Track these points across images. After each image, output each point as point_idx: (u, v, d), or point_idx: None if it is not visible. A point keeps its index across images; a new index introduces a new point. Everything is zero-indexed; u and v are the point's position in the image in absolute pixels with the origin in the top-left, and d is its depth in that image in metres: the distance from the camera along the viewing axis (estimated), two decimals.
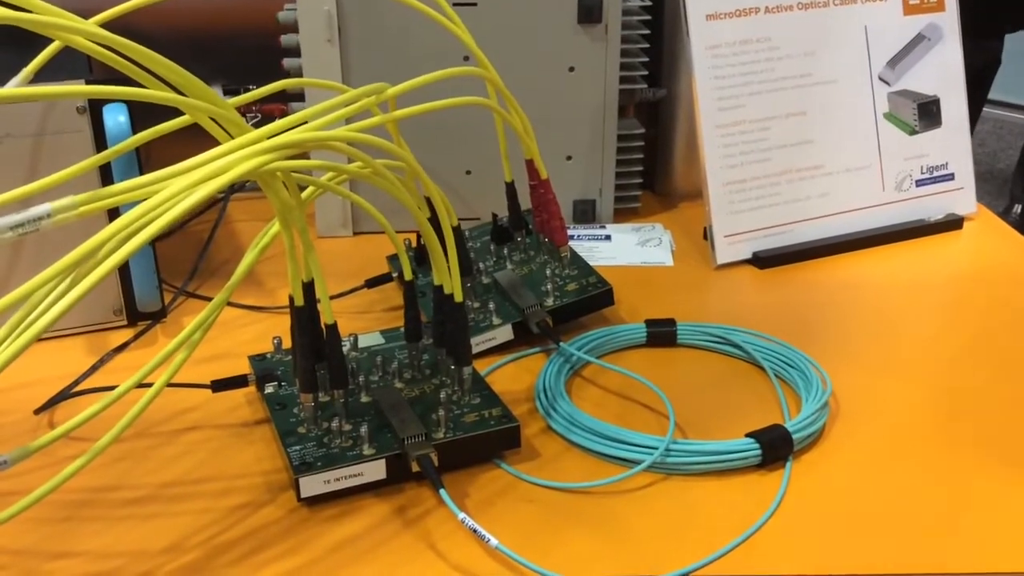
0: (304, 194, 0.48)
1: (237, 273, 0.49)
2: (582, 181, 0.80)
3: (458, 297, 0.50)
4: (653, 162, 0.87)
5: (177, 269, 0.71)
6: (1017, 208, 3.10)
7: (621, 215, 0.83)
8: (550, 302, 0.62)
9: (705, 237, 0.75)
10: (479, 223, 0.72)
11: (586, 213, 0.81)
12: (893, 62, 0.77)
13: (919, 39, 0.78)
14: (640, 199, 0.84)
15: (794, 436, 0.50)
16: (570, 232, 0.78)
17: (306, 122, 0.44)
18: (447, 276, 0.50)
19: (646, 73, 0.81)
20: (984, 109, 3.91)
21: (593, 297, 0.63)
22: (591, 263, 0.70)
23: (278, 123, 0.42)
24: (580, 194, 0.81)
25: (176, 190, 0.36)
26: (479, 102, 0.55)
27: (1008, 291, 0.71)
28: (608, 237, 0.78)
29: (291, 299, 0.48)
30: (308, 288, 0.47)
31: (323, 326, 0.48)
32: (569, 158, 0.80)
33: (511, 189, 0.66)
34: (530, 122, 0.60)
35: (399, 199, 0.47)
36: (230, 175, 0.37)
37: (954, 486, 0.49)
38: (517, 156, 0.63)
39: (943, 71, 0.79)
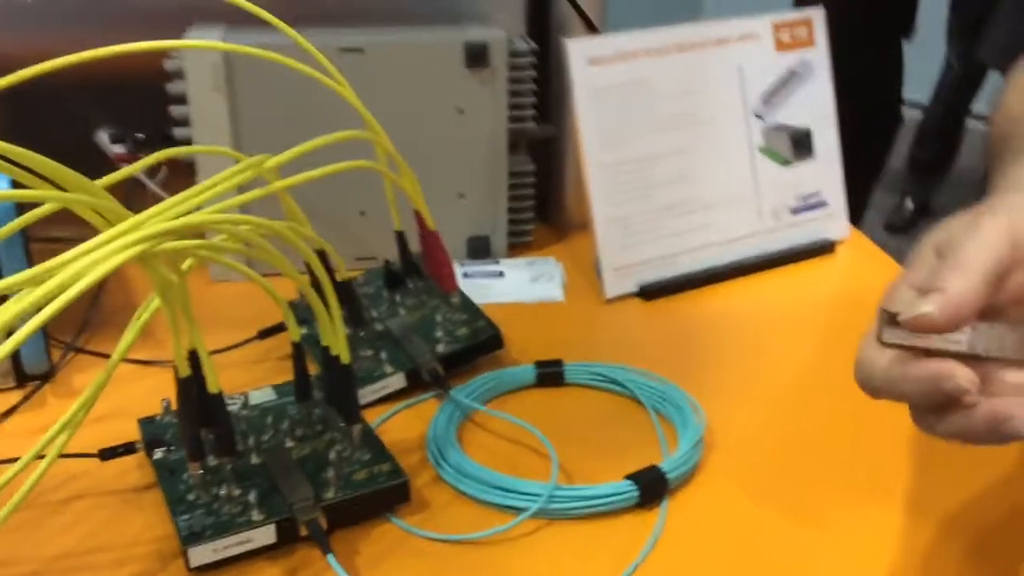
0: (184, 266, 0.49)
1: (118, 350, 0.49)
2: (475, 218, 0.82)
3: (344, 359, 0.52)
4: (546, 193, 0.90)
5: (66, 318, 0.71)
6: (908, 203, 3.24)
7: (515, 249, 0.85)
8: (441, 349, 0.64)
9: (595, 269, 0.78)
10: (374, 264, 0.74)
11: (480, 249, 0.83)
12: (767, 98, 0.81)
13: (791, 75, 0.82)
14: (533, 232, 0.86)
15: (669, 476, 0.53)
16: (464, 270, 0.80)
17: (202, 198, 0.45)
18: (333, 337, 0.52)
19: (535, 112, 0.83)
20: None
21: (482, 342, 0.65)
22: (485, 301, 0.72)
23: (162, 205, 0.43)
24: (474, 231, 0.83)
25: (55, 285, 0.36)
26: (368, 166, 0.56)
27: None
28: (501, 274, 0.80)
29: (176, 369, 0.48)
30: (193, 357, 0.48)
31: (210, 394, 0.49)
32: (462, 196, 0.81)
33: (401, 238, 0.67)
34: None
35: (280, 268, 0.48)
36: (110, 264, 0.38)
37: (825, 516, 0.52)
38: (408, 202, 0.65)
39: (815, 104, 0.83)
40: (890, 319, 0.38)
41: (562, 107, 0.86)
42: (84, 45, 0.46)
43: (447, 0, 0.86)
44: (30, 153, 0.39)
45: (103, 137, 0.81)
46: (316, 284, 0.51)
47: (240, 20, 0.79)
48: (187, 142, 0.77)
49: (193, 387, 0.48)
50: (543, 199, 0.89)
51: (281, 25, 0.57)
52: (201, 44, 0.66)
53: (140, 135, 0.78)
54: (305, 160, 0.52)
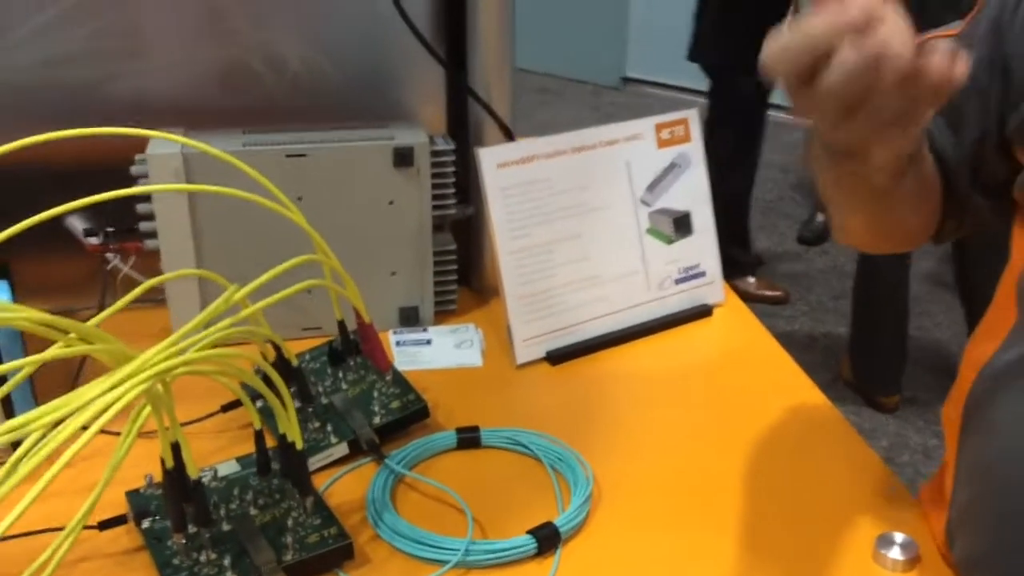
0: (169, 378, 0.61)
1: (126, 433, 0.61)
2: (406, 291, 0.95)
3: (299, 445, 0.64)
4: (467, 263, 1.03)
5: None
6: (819, 216, 3.45)
7: (441, 316, 0.98)
8: (377, 420, 0.77)
9: (508, 335, 0.91)
10: (318, 332, 0.86)
11: (410, 318, 0.96)
12: (652, 187, 0.95)
13: (672, 167, 0.96)
14: (457, 300, 0.99)
15: (561, 530, 0.66)
16: (396, 338, 0.93)
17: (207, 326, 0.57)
18: (288, 426, 0.64)
19: (456, 196, 0.96)
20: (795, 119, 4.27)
21: (412, 413, 0.78)
22: (414, 367, 0.85)
23: (160, 348, 0.55)
24: (405, 302, 0.96)
25: (77, 425, 0.48)
26: (319, 284, 0.69)
27: (750, 375, 0.90)
28: (429, 342, 0.93)
29: (163, 461, 0.60)
30: (176, 449, 0.60)
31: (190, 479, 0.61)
32: (394, 273, 0.94)
33: (342, 326, 0.80)
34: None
35: (250, 383, 0.61)
36: (123, 403, 0.50)
37: (701, 559, 0.66)
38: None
39: (692, 189, 0.98)
40: None
41: (478, 189, 1.00)
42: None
43: (380, 103, 0.99)
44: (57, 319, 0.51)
45: (75, 224, 0.92)
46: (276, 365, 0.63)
47: (196, 122, 0.91)
48: (152, 234, 0.88)
49: (178, 475, 0.61)
50: (465, 267, 1.02)
51: (242, 166, 0.68)
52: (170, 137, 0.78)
53: (110, 228, 0.89)
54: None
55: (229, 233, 0.88)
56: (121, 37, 0.93)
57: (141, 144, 0.88)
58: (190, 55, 0.97)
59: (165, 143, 0.87)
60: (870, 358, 2.42)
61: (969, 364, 0.69)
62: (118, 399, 0.50)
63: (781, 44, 0.46)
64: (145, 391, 0.52)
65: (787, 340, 1.00)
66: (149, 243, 0.88)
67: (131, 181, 0.87)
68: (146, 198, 0.87)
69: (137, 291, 0.64)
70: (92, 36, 0.92)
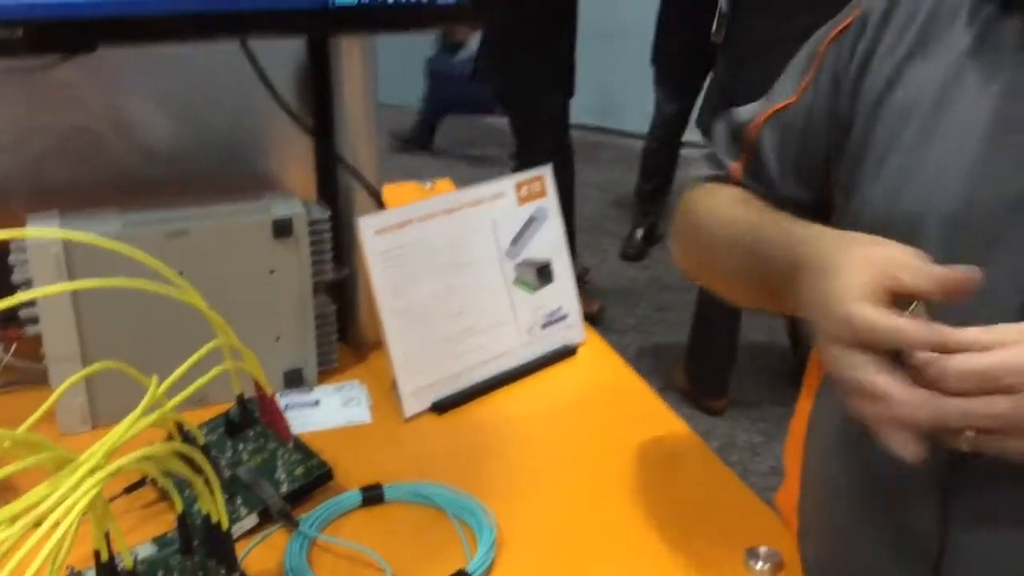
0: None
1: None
2: (290, 354, 0.99)
3: (224, 525, 0.68)
4: (345, 320, 1.07)
5: None
6: (639, 231, 3.66)
7: (324, 374, 1.02)
8: (284, 488, 0.80)
9: (393, 388, 0.97)
10: (209, 407, 0.89)
11: (295, 380, 0.99)
12: (515, 241, 1.03)
13: (531, 220, 1.05)
14: (338, 358, 1.04)
15: (471, 574, 0.73)
16: (284, 401, 0.96)
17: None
18: (211, 505, 0.67)
19: (332, 263, 1.01)
20: (610, 138, 4.49)
21: (317, 477, 0.82)
22: (306, 430, 0.89)
23: (97, 451, 0.57)
24: (288, 365, 0.99)
25: (35, 540, 0.51)
26: (225, 368, 0.72)
27: (615, 407, 1.00)
28: (317, 403, 0.97)
29: (97, 553, 0.62)
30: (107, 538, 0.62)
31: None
32: (277, 338, 0.98)
33: (240, 399, 0.83)
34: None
35: (174, 469, 0.63)
36: (77, 511, 0.52)
37: None
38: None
39: (551, 240, 1.06)
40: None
41: (351, 251, 1.05)
42: None
43: (250, 172, 1.03)
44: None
45: None
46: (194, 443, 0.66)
47: (69, 203, 0.92)
48: (33, 320, 0.88)
49: (111, 566, 0.63)
50: (342, 325, 1.07)
51: (122, 249, 0.70)
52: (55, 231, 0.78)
53: None
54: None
55: (112, 313, 0.89)
56: None
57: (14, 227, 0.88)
58: (55, 136, 0.97)
59: (42, 228, 0.87)
60: (705, 363, 2.60)
61: (808, 386, 0.80)
62: (71, 508, 0.53)
63: (873, 322, 0.52)
64: (94, 497, 0.54)
65: (620, 354, 1.10)
66: (30, 329, 0.88)
67: (7, 267, 0.87)
68: (25, 284, 0.87)
69: (66, 385, 0.65)
70: None
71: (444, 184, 1.62)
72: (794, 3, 2.20)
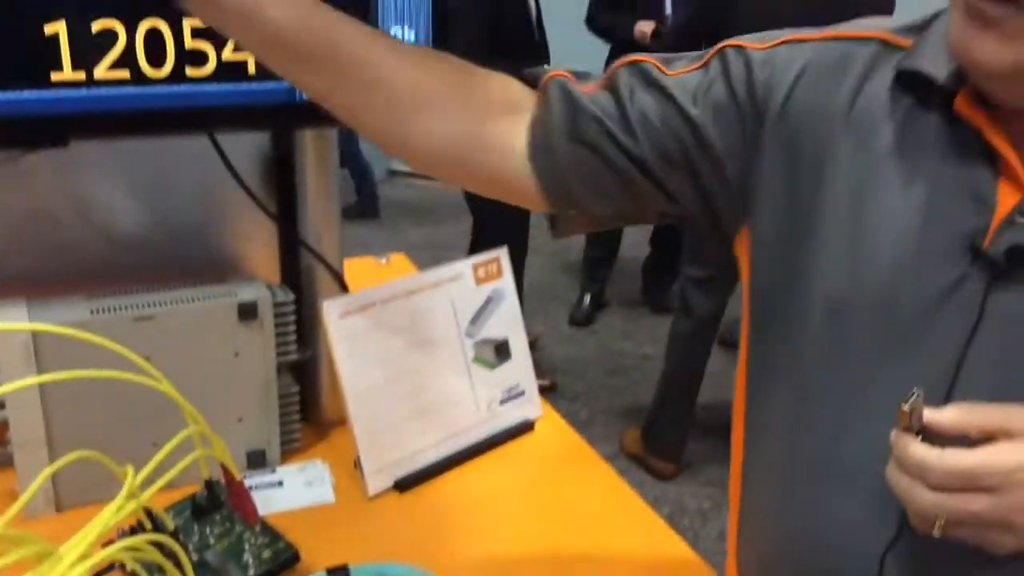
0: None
1: None
2: (253, 435, 1.00)
3: None
4: (307, 400, 1.09)
5: None
6: (587, 297, 3.72)
7: (288, 454, 1.04)
8: (252, 572, 0.82)
9: (356, 466, 0.99)
10: (172, 492, 0.90)
11: (258, 460, 1.01)
12: (474, 320, 1.07)
13: (489, 300, 1.08)
14: (301, 437, 1.06)
15: None
16: (248, 482, 0.98)
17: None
18: None
19: (295, 345, 1.03)
20: None
21: (284, 560, 0.84)
22: (270, 511, 0.90)
23: (76, 543, 0.59)
24: (252, 445, 1.01)
25: None
26: (196, 455, 0.74)
27: (572, 480, 1.03)
28: (280, 483, 0.99)
29: None
30: None
31: None
32: (240, 419, 0.99)
33: (208, 483, 0.85)
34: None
35: (140, 573, 0.65)
36: None
37: None
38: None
39: (507, 319, 1.10)
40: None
41: (314, 331, 1.07)
42: None
43: (214, 256, 1.05)
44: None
45: None
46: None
47: (34, 289, 0.93)
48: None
49: None
50: (304, 403, 1.09)
51: (93, 338, 0.72)
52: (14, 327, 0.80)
53: None
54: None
55: (78, 398, 0.90)
56: None
57: None
58: (19, 222, 0.99)
59: (9, 315, 0.89)
60: (664, 431, 2.63)
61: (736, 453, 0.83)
62: None
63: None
64: None
65: (571, 420, 1.14)
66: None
67: None
68: None
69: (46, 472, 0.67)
70: None
71: (399, 259, 1.66)
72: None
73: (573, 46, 3.10)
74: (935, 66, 0.64)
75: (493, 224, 2.93)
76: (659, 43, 3.07)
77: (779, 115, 0.69)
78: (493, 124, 0.76)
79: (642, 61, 0.76)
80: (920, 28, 0.68)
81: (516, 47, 2.68)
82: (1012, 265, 0.60)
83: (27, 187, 1.00)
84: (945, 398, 0.61)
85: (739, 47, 0.73)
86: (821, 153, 0.68)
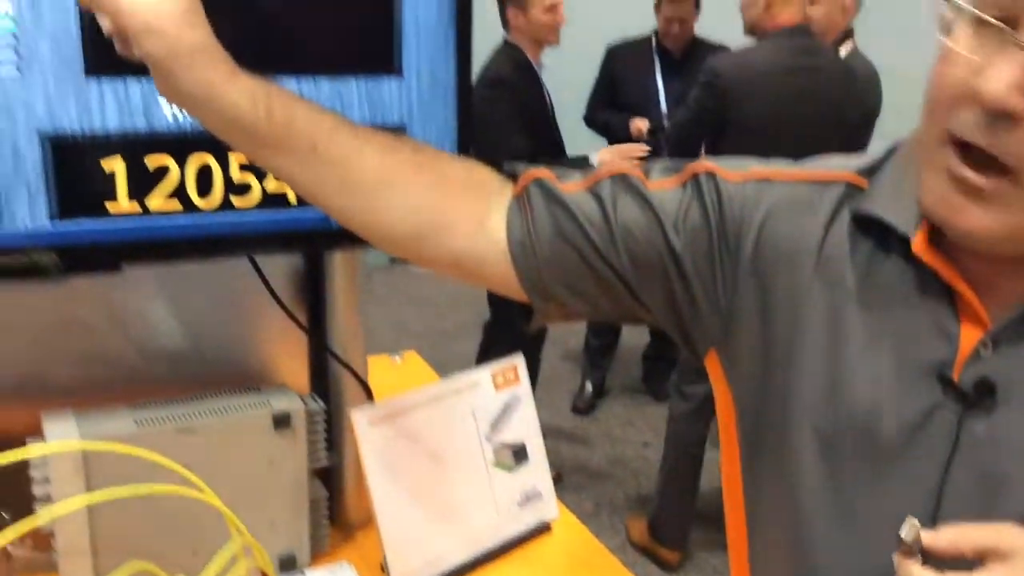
0: None
1: None
2: (284, 539, 1.05)
3: None
4: (333, 503, 1.14)
5: None
6: (588, 386, 3.77)
7: (316, 557, 1.08)
8: None
9: (383, 570, 1.03)
10: None
11: (288, 564, 1.05)
12: (494, 425, 1.12)
13: (507, 406, 1.14)
14: (329, 540, 1.10)
15: None
16: None
17: None
18: None
19: (328, 449, 1.08)
20: None
21: None
22: None
23: None
24: (284, 550, 1.05)
25: None
26: (243, 565, 0.78)
27: None
28: None
29: None
30: None
31: None
32: (272, 524, 1.04)
33: None
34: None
35: None
36: None
37: None
38: None
39: (525, 423, 1.16)
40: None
41: (341, 437, 1.12)
42: None
43: (249, 368, 1.11)
44: None
45: None
46: None
47: (82, 400, 0.98)
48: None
49: None
50: (331, 508, 1.13)
51: (141, 452, 0.78)
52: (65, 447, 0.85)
53: (5, 515, 0.93)
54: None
55: (122, 506, 0.95)
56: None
57: (30, 422, 0.95)
58: (64, 336, 1.05)
59: (60, 429, 0.94)
60: (669, 519, 2.65)
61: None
62: None
63: None
64: None
65: (577, 511, 1.18)
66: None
67: (21, 462, 0.92)
68: (43, 480, 0.92)
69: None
70: None
71: (412, 356, 1.71)
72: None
73: (576, 141, 3.25)
74: (891, 211, 0.68)
75: (505, 317, 2.99)
76: (654, 140, 3.18)
77: (751, 255, 0.72)
78: (459, 202, 0.78)
79: (627, 173, 0.78)
80: (875, 168, 0.72)
81: (539, 144, 2.79)
82: (981, 395, 0.64)
83: (66, 299, 1.06)
84: (932, 519, 0.65)
85: (711, 173, 0.75)
86: (793, 292, 0.71)
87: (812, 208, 0.72)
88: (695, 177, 0.76)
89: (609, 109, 3.42)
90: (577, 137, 3.30)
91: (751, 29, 2.51)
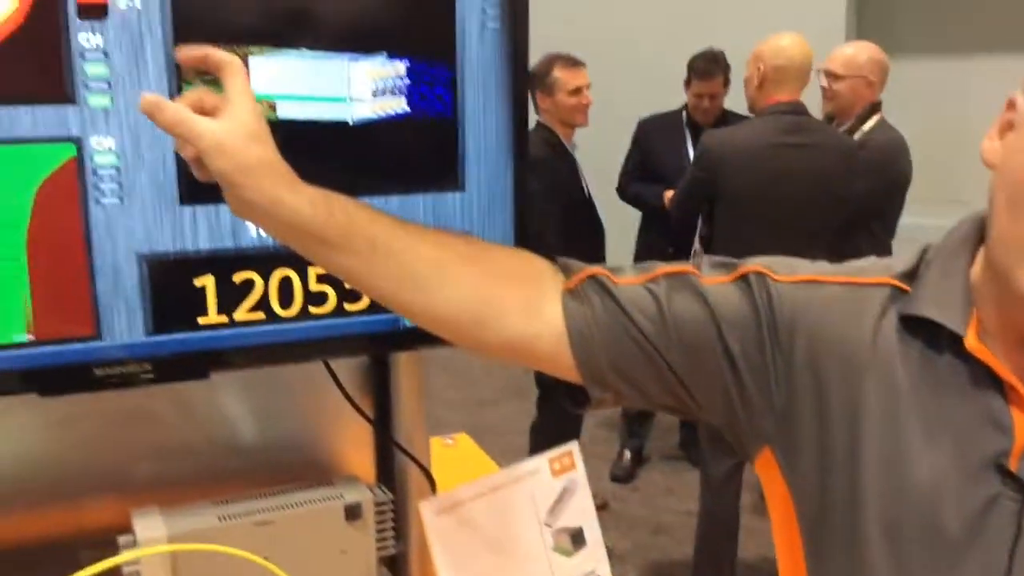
0: None
1: None
2: None
3: None
4: None
5: None
6: (627, 454, 3.79)
7: None
8: None
9: None
10: None
11: None
12: (552, 511, 1.17)
13: (564, 492, 1.19)
14: None
15: None
16: None
17: None
18: None
19: (395, 539, 1.14)
20: None
21: None
22: None
23: None
24: None
25: None
26: None
27: None
28: None
29: None
30: None
31: None
32: None
33: None
34: None
35: None
36: None
37: None
38: None
39: (581, 509, 1.20)
40: None
41: (406, 524, 1.18)
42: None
43: (319, 460, 1.17)
44: None
45: None
46: None
47: (166, 498, 1.05)
48: None
49: None
50: None
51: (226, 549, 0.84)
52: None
53: None
54: None
55: None
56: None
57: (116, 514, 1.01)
58: (146, 434, 1.12)
59: (149, 525, 1.00)
60: None
61: None
62: None
63: None
64: None
65: None
66: None
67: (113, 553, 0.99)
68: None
69: None
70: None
71: (464, 439, 1.77)
72: (766, 250, 2.46)
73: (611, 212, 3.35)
74: (940, 312, 0.72)
75: (553, 394, 3.04)
76: None
77: (804, 355, 0.76)
78: (513, 290, 0.82)
79: (682, 271, 0.82)
80: (913, 273, 0.77)
81: (575, 222, 2.89)
82: None
83: (145, 395, 1.12)
84: None
85: (761, 274, 0.79)
86: (849, 392, 0.75)
87: (861, 310, 0.76)
88: (746, 276, 0.80)
89: (641, 181, 3.50)
90: (610, 208, 3.39)
91: (750, 106, 2.64)
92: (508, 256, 0.86)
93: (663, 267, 0.83)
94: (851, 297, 0.78)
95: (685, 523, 3.34)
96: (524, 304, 0.82)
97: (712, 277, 0.81)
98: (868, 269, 0.80)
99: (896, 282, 0.77)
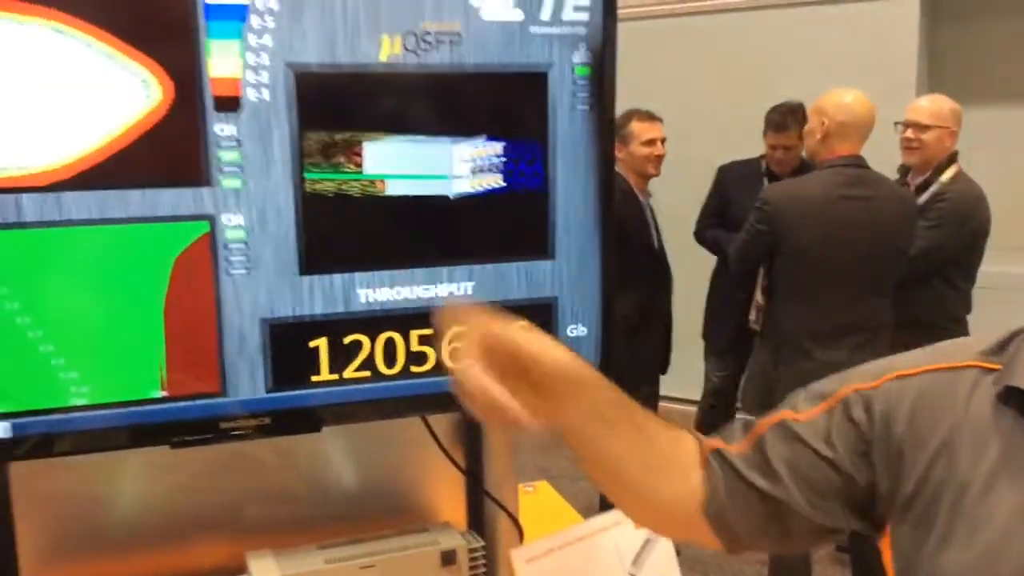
0: None
1: None
2: None
3: None
4: None
5: None
6: None
7: None
8: None
9: None
10: None
11: None
12: (635, 560, 1.23)
13: (647, 542, 1.24)
14: None
15: None
16: None
17: None
18: None
19: None
20: (664, 403, 4.73)
21: None
22: None
23: None
24: None
25: None
26: None
27: None
28: None
29: None
30: None
31: None
32: None
33: None
34: None
35: None
36: None
37: None
38: None
39: (664, 556, 1.26)
40: None
41: (496, 570, 1.24)
42: None
43: (414, 507, 1.25)
44: None
45: None
46: None
47: (276, 540, 1.13)
48: None
49: None
50: None
51: None
52: None
53: None
54: None
55: None
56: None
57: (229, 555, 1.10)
58: (255, 483, 1.21)
59: (263, 567, 1.09)
60: None
61: None
62: None
63: None
64: None
65: None
66: None
67: None
68: None
69: None
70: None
71: (543, 487, 1.83)
72: (827, 301, 2.51)
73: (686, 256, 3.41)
74: None
75: None
76: None
77: (900, 443, 0.81)
78: (669, 475, 0.91)
79: (780, 420, 0.88)
80: (1002, 348, 0.81)
81: (642, 270, 2.97)
82: None
83: (258, 453, 1.22)
84: None
85: (856, 390, 0.84)
86: (941, 473, 0.78)
87: (950, 395, 0.80)
88: (844, 401, 0.85)
89: (719, 227, 3.55)
90: (683, 256, 3.45)
91: (811, 158, 2.66)
92: (666, 438, 0.93)
93: (762, 422, 0.90)
94: (939, 384, 0.82)
95: (759, 572, 3.32)
96: (680, 484, 0.90)
97: (808, 411, 0.87)
98: (953, 352, 0.84)
99: (981, 363, 0.81)
